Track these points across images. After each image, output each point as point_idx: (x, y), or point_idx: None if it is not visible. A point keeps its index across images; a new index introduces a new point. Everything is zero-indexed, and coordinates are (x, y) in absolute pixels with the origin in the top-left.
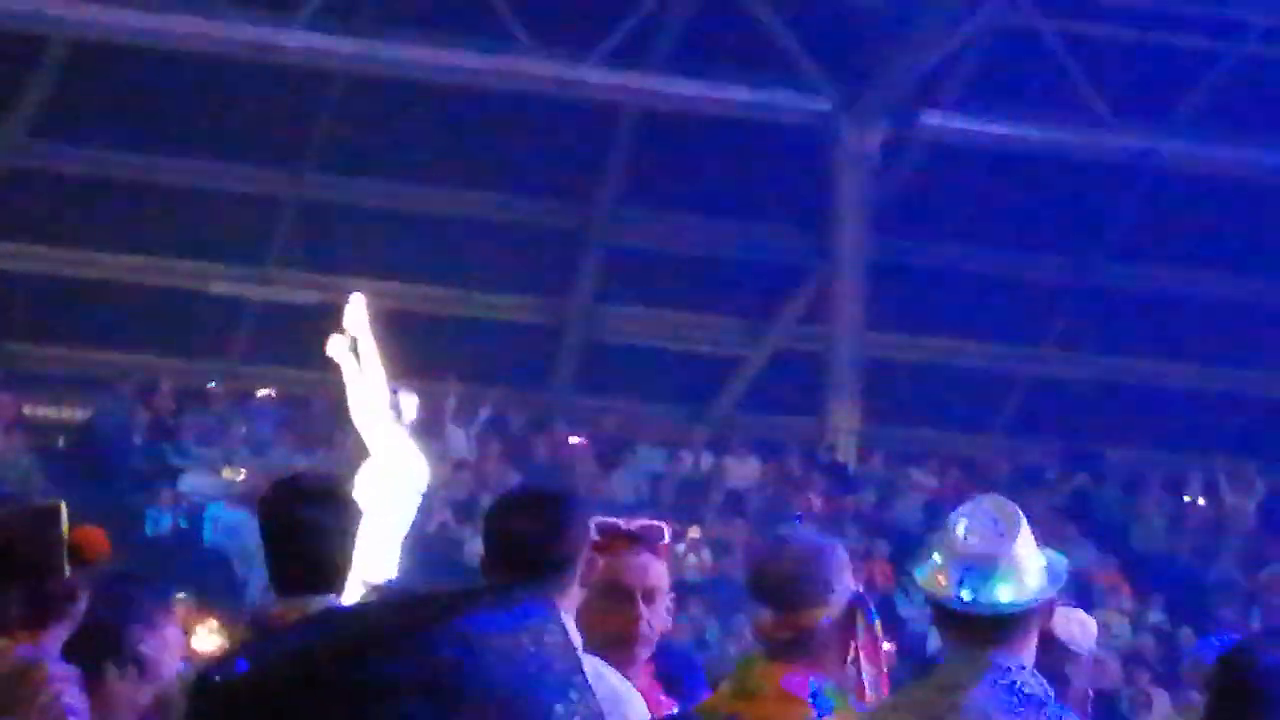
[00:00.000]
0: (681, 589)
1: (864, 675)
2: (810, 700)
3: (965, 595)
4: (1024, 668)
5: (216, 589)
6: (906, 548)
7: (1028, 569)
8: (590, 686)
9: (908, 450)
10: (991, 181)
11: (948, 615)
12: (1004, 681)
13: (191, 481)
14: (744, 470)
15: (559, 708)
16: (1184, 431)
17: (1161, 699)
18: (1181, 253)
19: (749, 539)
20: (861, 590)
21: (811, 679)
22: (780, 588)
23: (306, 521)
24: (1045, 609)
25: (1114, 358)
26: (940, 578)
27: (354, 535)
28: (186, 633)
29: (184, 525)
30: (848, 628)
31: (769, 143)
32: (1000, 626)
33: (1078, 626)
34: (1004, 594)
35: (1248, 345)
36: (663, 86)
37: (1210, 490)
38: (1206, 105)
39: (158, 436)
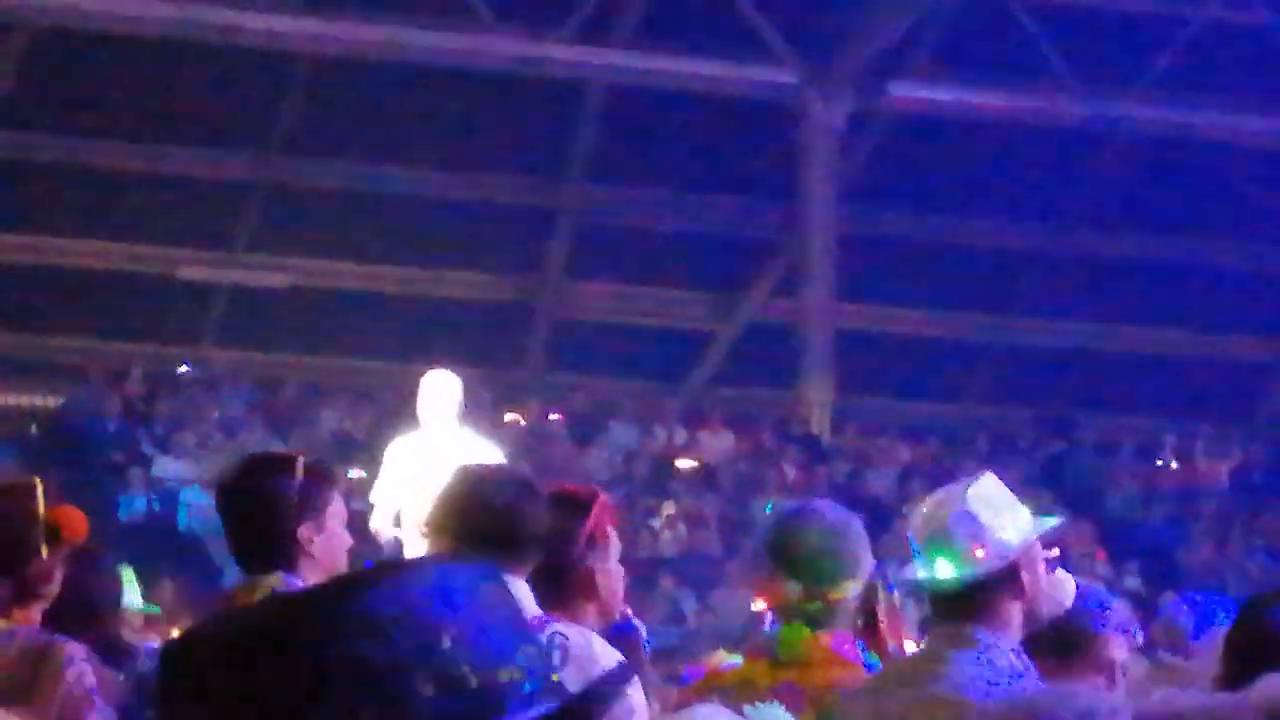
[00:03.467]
0: (656, 564)
1: (886, 647)
2: (862, 663)
3: (920, 572)
4: (997, 641)
5: (193, 573)
6: (881, 519)
7: (973, 541)
8: (547, 645)
9: (881, 421)
10: (959, 150)
11: (927, 595)
12: (978, 654)
13: (165, 467)
14: (718, 444)
15: (523, 652)
16: (1157, 397)
17: (1139, 664)
18: (1152, 218)
19: (723, 513)
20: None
21: (858, 643)
22: (811, 561)
23: (258, 499)
24: (1009, 578)
25: (1086, 324)
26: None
27: (315, 511)
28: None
29: (158, 510)
30: (869, 600)
31: (736, 116)
32: (961, 600)
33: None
34: (944, 569)
35: (1219, 310)
36: (628, 62)
37: (1184, 455)
38: (1173, 70)
39: (130, 422)
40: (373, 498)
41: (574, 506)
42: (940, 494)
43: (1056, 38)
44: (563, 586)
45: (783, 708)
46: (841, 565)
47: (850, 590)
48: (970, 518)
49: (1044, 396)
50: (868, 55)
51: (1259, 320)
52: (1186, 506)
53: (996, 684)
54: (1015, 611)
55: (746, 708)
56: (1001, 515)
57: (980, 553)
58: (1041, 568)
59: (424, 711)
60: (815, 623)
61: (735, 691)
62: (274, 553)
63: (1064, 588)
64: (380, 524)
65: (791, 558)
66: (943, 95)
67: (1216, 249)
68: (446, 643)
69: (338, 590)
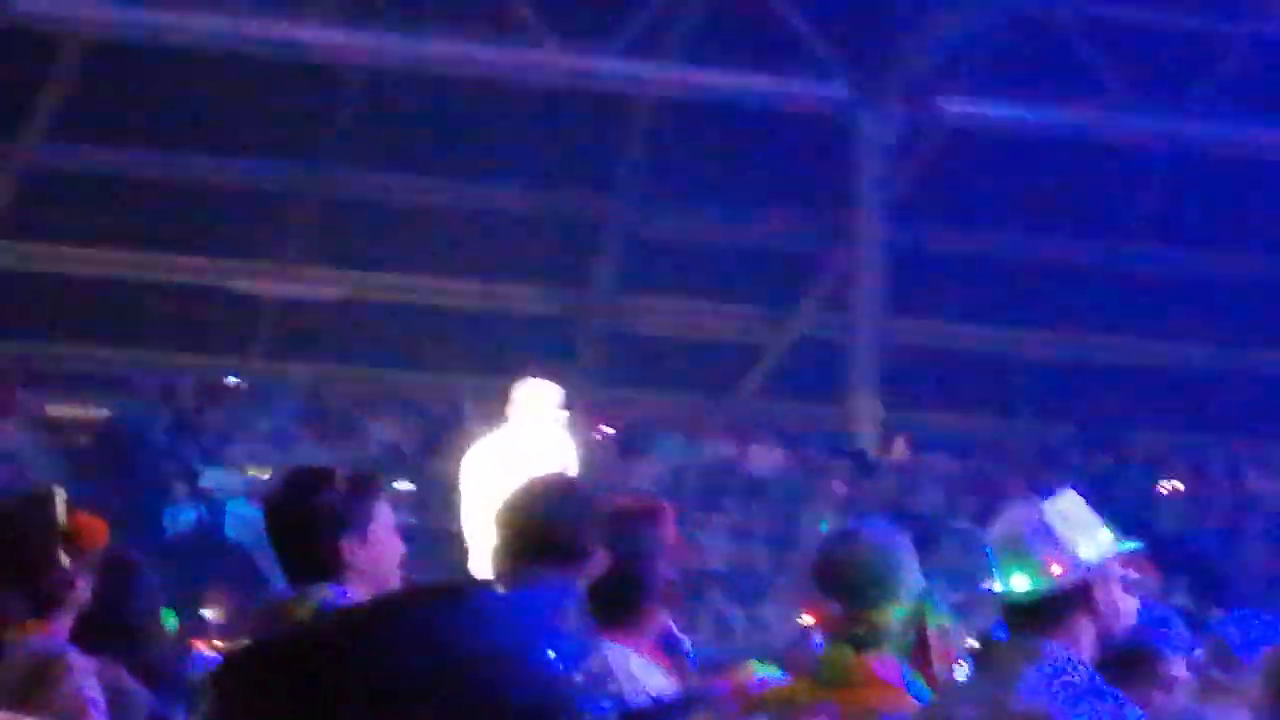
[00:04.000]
0: (704, 577)
1: (934, 668)
2: (905, 687)
3: (995, 585)
4: (1070, 655)
5: (240, 585)
6: (929, 535)
7: (1049, 555)
8: (606, 668)
9: (930, 436)
10: (1010, 165)
11: (999, 605)
12: (1048, 669)
13: (213, 478)
14: (767, 459)
15: (578, 679)
16: (1207, 413)
17: (1188, 680)
18: (1203, 234)
19: (770, 527)
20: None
21: (903, 666)
22: (854, 584)
23: (300, 513)
24: (1084, 595)
25: (1135, 340)
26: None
27: (358, 524)
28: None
29: (206, 521)
30: (918, 620)
31: (787, 130)
32: (1033, 614)
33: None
34: (1019, 582)
35: (1269, 326)
36: (679, 76)
37: (1233, 472)
38: (1223, 86)
39: (179, 434)
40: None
41: (651, 518)
42: (1019, 507)
43: (1107, 52)
44: (640, 598)
45: None
46: (884, 588)
47: (894, 613)
48: (1048, 531)
49: (1093, 412)
50: (919, 70)
51: None
52: (1235, 523)
53: (1072, 699)
54: (1088, 628)
55: None
56: (1080, 531)
57: (1056, 568)
58: (1117, 588)
59: None
60: (860, 644)
61: (778, 710)
62: (319, 566)
63: (1128, 605)
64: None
65: (834, 580)
66: (994, 110)
67: (1269, 264)
68: (488, 669)
69: (392, 610)
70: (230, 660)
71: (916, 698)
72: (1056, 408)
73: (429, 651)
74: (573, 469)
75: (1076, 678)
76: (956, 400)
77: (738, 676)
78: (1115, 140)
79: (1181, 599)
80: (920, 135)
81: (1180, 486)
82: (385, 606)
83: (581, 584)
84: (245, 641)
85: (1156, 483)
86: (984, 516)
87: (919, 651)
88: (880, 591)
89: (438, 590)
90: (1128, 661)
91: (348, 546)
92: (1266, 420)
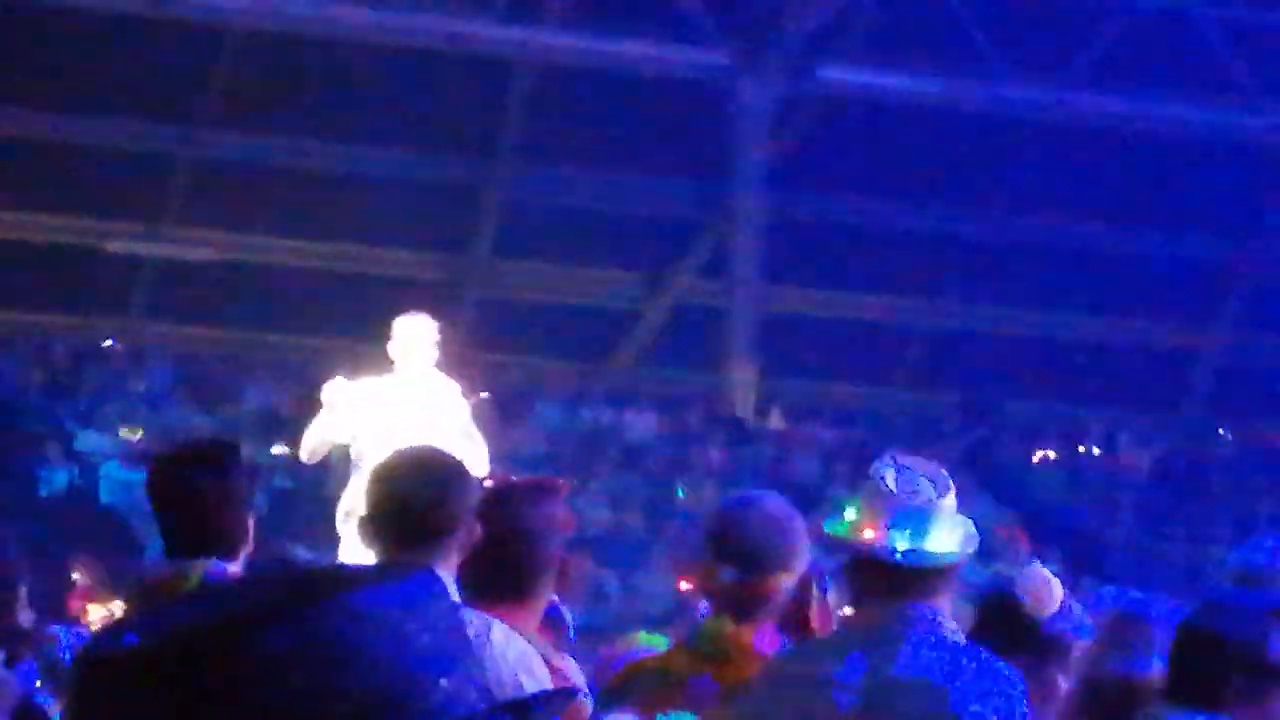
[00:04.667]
0: (580, 543)
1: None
2: None
3: (900, 545)
4: (942, 615)
5: (113, 549)
6: (806, 502)
7: (956, 523)
8: (479, 658)
9: (806, 404)
10: (889, 134)
11: (872, 566)
12: (931, 631)
13: (87, 440)
14: (643, 425)
15: (444, 682)
16: (1082, 384)
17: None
18: (1079, 204)
19: (648, 494)
20: (816, 561)
21: (781, 638)
22: (748, 550)
23: (191, 487)
24: (957, 568)
25: (1011, 309)
26: (866, 529)
27: (243, 499)
28: (91, 596)
29: (80, 484)
30: (803, 595)
31: (666, 97)
32: (927, 578)
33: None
34: (938, 544)
35: (1145, 298)
36: (558, 41)
37: (1108, 443)
38: (1103, 57)
39: (54, 395)
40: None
41: (552, 496)
42: (918, 472)
43: (986, 23)
44: (530, 576)
45: (693, 714)
46: (776, 557)
47: (784, 582)
48: (953, 501)
49: (969, 382)
50: (798, 38)
51: (1184, 308)
52: (1109, 494)
53: (949, 655)
54: (950, 593)
55: (659, 716)
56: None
57: (964, 536)
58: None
59: None
60: (744, 612)
61: (654, 682)
62: (209, 539)
63: (1054, 591)
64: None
65: (731, 545)
66: (873, 79)
67: (1145, 237)
68: (385, 660)
69: (283, 599)
70: (93, 644)
71: None
72: (934, 377)
73: (312, 655)
74: (458, 403)
75: (953, 636)
76: (834, 369)
77: (620, 647)
78: (992, 110)
79: (1054, 569)
80: (799, 104)
81: (1054, 456)
82: (268, 603)
83: (456, 558)
84: (118, 618)
85: (1032, 453)
86: (861, 485)
87: (801, 622)
88: (775, 560)
89: (321, 587)
90: (1041, 646)
91: (243, 522)
92: (1141, 391)
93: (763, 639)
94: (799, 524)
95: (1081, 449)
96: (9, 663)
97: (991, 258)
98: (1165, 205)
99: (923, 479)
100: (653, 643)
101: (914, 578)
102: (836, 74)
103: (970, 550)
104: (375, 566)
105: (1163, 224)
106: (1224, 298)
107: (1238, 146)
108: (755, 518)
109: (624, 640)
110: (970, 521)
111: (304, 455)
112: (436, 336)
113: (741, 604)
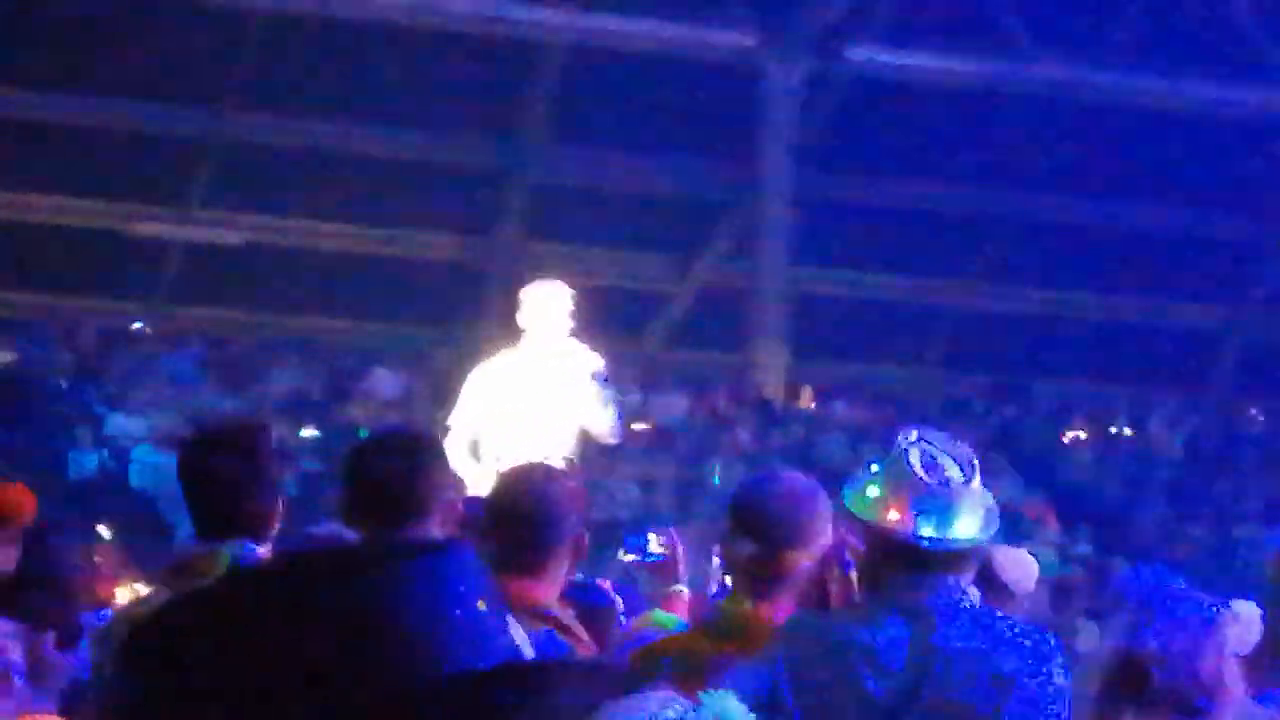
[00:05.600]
0: (611, 527)
1: None
2: None
3: (926, 531)
4: (966, 587)
5: (143, 532)
6: (834, 483)
7: (982, 507)
8: (508, 624)
9: (835, 385)
10: (918, 115)
11: (896, 548)
12: (957, 602)
13: (117, 424)
14: (672, 407)
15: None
16: (1111, 364)
17: (1090, 630)
18: (1108, 185)
19: (676, 476)
20: (838, 540)
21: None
22: (769, 525)
23: (221, 469)
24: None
25: (1041, 290)
26: (891, 510)
27: (271, 480)
28: (114, 579)
29: (110, 468)
30: (823, 574)
31: (694, 77)
32: (952, 561)
33: (1021, 568)
34: (963, 530)
35: (1174, 278)
36: (586, 22)
37: (1137, 423)
38: (1131, 37)
39: (82, 379)
40: (451, 423)
41: (567, 475)
42: (946, 455)
43: (1015, 2)
44: (548, 550)
45: (734, 695)
46: (797, 533)
47: (803, 559)
48: (979, 487)
49: (998, 362)
50: (827, 18)
51: (1212, 288)
52: (1139, 474)
53: (981, 624)
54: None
55: (701, 694)
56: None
57: (989, 518)
58: None
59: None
60: (761, 589)
61: (680, 665)
62: (240, 521)
63: (1030, 568)
64: (456, 455)
65: (750, 521)
66: (901, 59)
67: (1173, 216)
68: (398, 633)
69: (309, 574)
70: (141, 627)
71: None
72: (963, 357)
73: (357, 623)
74: (595, 374)
75: (977, 609)
76: (863, 350)
77: (635, 627)
78: (1023, 90)
79: (1084, 548)
80: (828, 84)
81: (1084, 436)
82: (307, 573)
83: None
84: (156, 599)
85: (1061, 433)
86: (885, 461)
87: (821, 601)
88: (794, 535)
89: (365, 560)
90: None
91: (273, 504)
92: (1171, 371)
93: (783, 616)
94: (821, 503)
95: (1111, 429)
96: (60, 646)
97: (1021, 238)
98: (1193, 185)
99: (949, 460)
100: (664, 623)
101: (939, 561)
102: (865, 54)
103: (993, 530)
104: (412, 542)
105: (1188, 203)
106: (1253, 277)
107: (1268, 126)
108: (775, 494)
109: (637, 620)
110: (991, 498)
111: (463, 453)
112: (570, 304)
113: (759, 580)
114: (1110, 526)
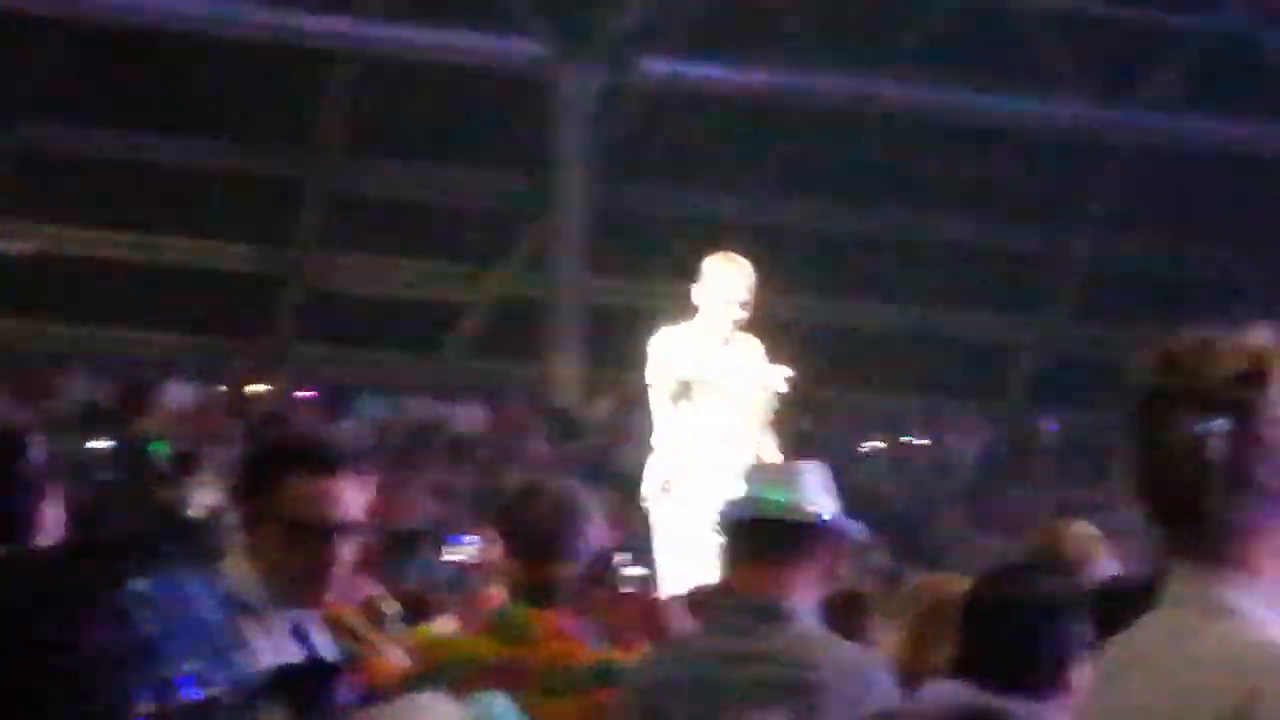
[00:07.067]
0: (408, 536)
1: (621, 624)
2: (588, 641)
3: (748, 493)
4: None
5: None
6: (632, 493)
7: (811, 489)
8: (233, 648)
9: (633, 395)
10: (714, 126)
11: (735, 530)
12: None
13: None
14: (469, 417)
15: (195, 665)
16: (906, 374)
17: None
18: (904, 195)
19: (473, 485)
20: (606, 544)
21: (581, 622)
22: (534, 539)
23: (11, 473)
24: (834, 550)
25: (836, 300)
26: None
27: (32, 484)
28: None
29: None
30: (593, 579)
31: (491, 89)
32: (784, 538)
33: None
34: (780, 494)
35: (970, 288)
36: (379, 32)
37: (932, 432)
38: (922, 47)
39: None
40: (650, 378)
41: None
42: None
43: (807, 15)
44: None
45: (505, 694)
46: (562, 545)
47: (572, 569)
48: (816, 479)
49: (797, 370)
50: (621, 31)
51: (1006, 299)
52: (934, 483)
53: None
54: (821, 572)
55: (470, 696)
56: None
57: (824, 505)
58: None
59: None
60: (535, 600)
61: (460, 668)
62: (12, 527)
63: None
64: (659, 404)
65: (515, 534)
66: (696, 71)
67: (967, 227)
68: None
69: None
70: None
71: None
72: None
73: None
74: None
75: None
76: None
77: (410, 643)
78: (814, 101)
79: (879, 557)
80: (622, 96)
81: (881, 446)
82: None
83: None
84: None
85: (858, 443)
86: None
87: (595, 608)
88: (559, 548)
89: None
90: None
91: (35, 509)
92: (965, 381)
93: (564, 623)
94: (583, 511)
95: (906, 438)
96: None
97: (813, 246)
98: (987, 195)
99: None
100: (439, 631)
101: (768, 538)
102: (660, 66)
103: (824, 518)
104: (144, 557)
105: (985, 214)
106: (1047, 288)
107: (1059, 138)
108: (540, 506)
109: (408, 636)
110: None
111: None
112: (752, 284)
113: (531, 591)
114: (906, 536)
